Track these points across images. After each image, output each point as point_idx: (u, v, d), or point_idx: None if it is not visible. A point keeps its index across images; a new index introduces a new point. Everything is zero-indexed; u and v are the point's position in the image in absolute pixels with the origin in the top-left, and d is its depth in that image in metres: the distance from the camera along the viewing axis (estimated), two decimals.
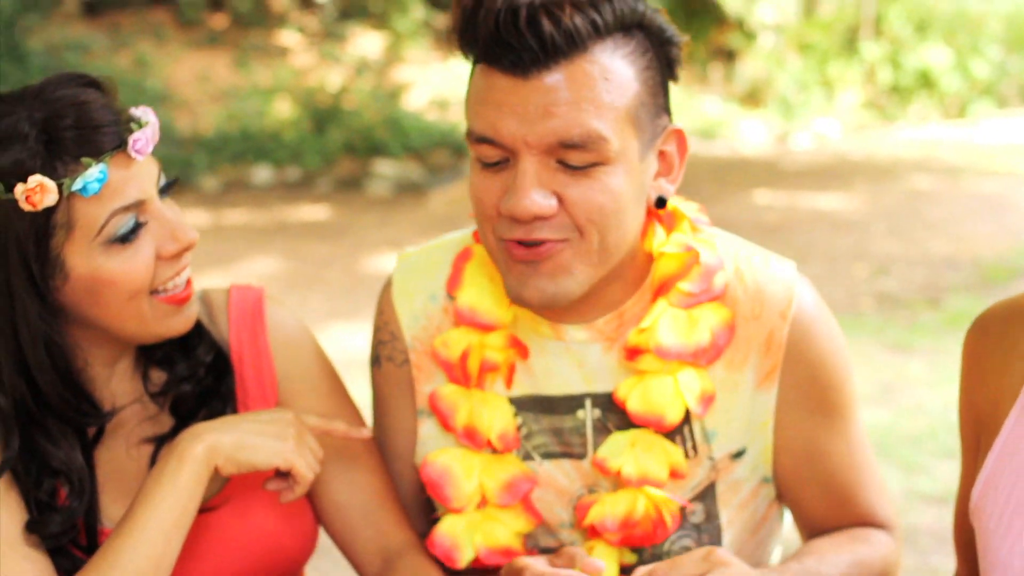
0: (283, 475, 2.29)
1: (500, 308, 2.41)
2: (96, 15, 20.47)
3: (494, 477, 2.40)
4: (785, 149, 19.45)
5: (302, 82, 19.48)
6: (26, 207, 2.13)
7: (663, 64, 2.30)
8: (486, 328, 2.40)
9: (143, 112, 2.25)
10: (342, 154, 17.64)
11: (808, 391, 2.40)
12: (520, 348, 2.41)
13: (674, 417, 2.33)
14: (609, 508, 2.35)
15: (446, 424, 2.43)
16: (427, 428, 2.49)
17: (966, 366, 2.19)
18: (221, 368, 2.42)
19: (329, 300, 10.57)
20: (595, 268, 2.26)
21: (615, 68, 2.19)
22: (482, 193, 2.24)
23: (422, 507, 2.58)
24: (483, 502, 2.42)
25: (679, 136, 2.36)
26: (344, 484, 2.47)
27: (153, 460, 2.36)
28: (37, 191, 2.11)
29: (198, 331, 2.40)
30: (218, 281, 2.34)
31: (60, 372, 2.23)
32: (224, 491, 2.38)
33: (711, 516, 2.43)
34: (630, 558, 2.41)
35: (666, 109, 2.33)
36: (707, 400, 2.35)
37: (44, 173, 2.13)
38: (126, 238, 2.20)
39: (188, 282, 2.30)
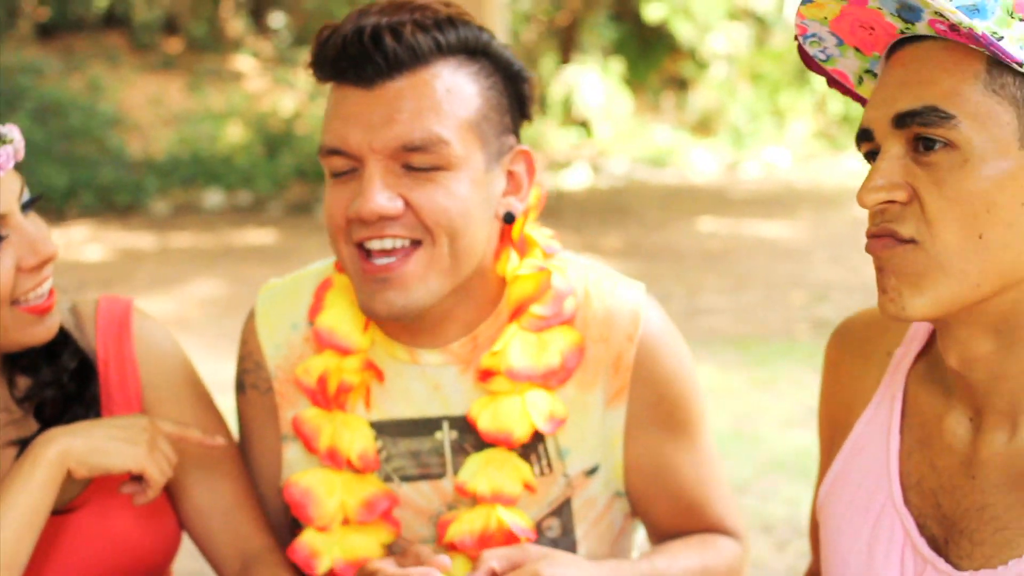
0: (137, 479, 2.34)
1: (357, 333, 2.46)
2: (50, 38, 20.49)
3: (354, 496, 2.45)
4: (734, 178, 19.60)
5: (255, 107, 19.52)
6: None
7: (511, 92, 2.39)
8: (343, 352, 2.46)
9: (8, 129, 2.28)
10: (293, 179, 17.69)
11: (655, 410, 2.47)
12: (375, 371, 2.46)
13: (521, 434, 2.39)
14: (467, 525, 2.42)
15: (310, 446, 2.48)
16: (292, 452, 2.54)
17: (826, 370, 2.25)
18: (85, 375, 2.46)
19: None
20: (445, 278, 2.33)
21: (457, 82, 2.30)
22: (332, 205, 2.32)
23: (288, 529, 2.62)
24: (345, 521, 2.48)
25: (527, 157, 2.42)
26: (205, 489, 2.52)
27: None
28: None
29: (63, 338, 2.44)
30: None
31: None
32: (84, 493, 2.42)
33: (567, 531, 2.49)
34: None
35: (514, 132, 2.41)
36: (556, 420, 2.41)
37: None
38: None
39: (51, 292, 2.33)
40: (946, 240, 1.78)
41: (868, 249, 1.87)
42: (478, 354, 2.44)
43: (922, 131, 1.78)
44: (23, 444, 2.39)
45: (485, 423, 2.39)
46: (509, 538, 2.40)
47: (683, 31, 20.92)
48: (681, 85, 22.54)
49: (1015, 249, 1.78)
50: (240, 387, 2.62)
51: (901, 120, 1.79)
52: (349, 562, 2.46)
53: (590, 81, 21.11)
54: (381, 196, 2.25)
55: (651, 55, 21.82)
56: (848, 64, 1.95)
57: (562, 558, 2.30)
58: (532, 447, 2.43)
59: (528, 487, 2.42)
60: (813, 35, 1.89)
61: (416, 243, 2.30)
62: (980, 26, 1.72)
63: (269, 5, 22.19)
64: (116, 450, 2.27)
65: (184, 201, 17.09)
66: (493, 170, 2.36)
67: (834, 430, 2.22)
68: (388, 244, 2.29)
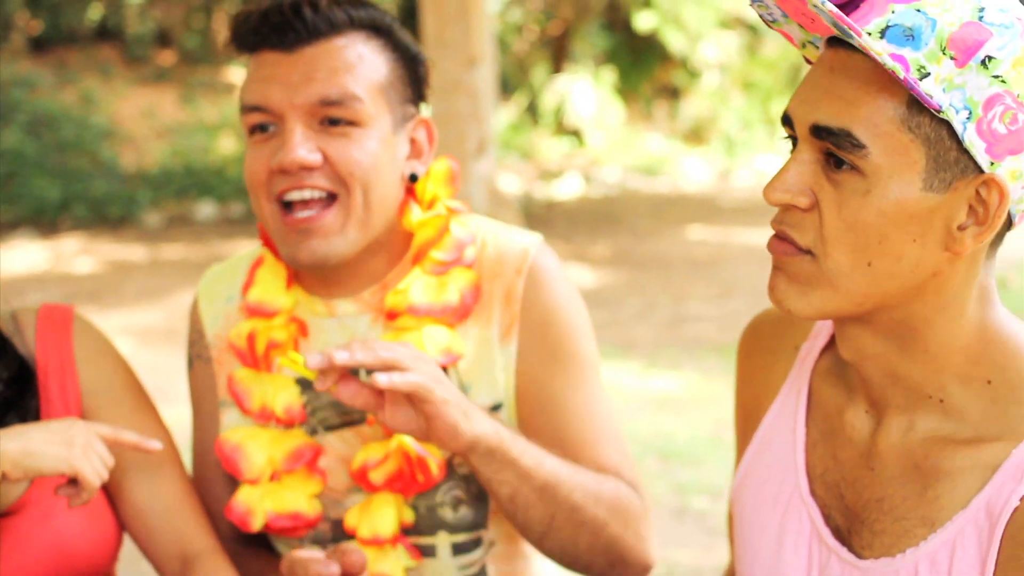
0: (73, 481, 2.39)
1: (282, 296, 2.63)
2: (43, 51, 20.54)
3: (281, 448, 2.57)
4: (726, 186, 19.64)
5: None
6: None
7: (411, 70, 2.60)
8: (270, 314, 2.63)
9: None
10: None
11: (542, 342, 2.59)
12: (299, 324, 2.62)
13: None
14: (372, 453, 2.54)
15: (242, 406, 2.62)
16: (229, 417, 2.67)
17: (739, 364, 2.29)
18: (24, 382, 2.52)
19: None
20: (361, 229, 2.51)
21: (367, 52, 2.53)
22: (254, 162, 2.51)
23: (229, 492, 2.70)
24: (274, 476, 2.59)
25: (427, 125, 2.64)
26: (144, 490, 2.57)
27: None
28: None
29: (1, 346, 2.52)
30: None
31: None
32: (24, 496, 2.47)
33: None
34: (409, 515, 2.56)
35: (415, 103, 2.62)
36: (452, 355, 2.55)
37: None
38: None
39: None
40: (837, 259, 1.83)
41: (769, 247, 1.92)
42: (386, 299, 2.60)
43: (833, 150, 1.81)
44: None
45: None
46: (418, 468, 2.50)
47: (674, 40, 20.96)
48: (673, 94, 22.59)
49: (901, 279, 1.83)
50: (189, 362, 2.78)
51: (817, 132, 1.82)
52: (281, 514, 2.58)
53: (582, 90, 21.15)
54: (302, 148, 2.45)
55: (643, 64, 21.87)
56: (792, 31, 1.97)
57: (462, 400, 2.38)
58: None
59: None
60: (762, 2, 1.90)
61: (332, 197, 2.49)
62: (909, 56, 1.74)
63: None
64: (50, 453, 2.31)
65: (177, 213, 17.14)
66: (399, 134, 2.57)
67: (746, 423, 2.25)
68: (307, 194, 2.47)
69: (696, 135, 21.91)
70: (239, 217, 17.06)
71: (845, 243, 1.82)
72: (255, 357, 2.61)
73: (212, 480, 2.71)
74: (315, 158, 2.46)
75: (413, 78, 2.61)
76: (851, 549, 1.99)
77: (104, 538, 2.54)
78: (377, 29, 2.55)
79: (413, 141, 2.62)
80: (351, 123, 2.48)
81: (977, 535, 1.85)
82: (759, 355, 2.24)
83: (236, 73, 20.86)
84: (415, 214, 2.63)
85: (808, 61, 2.00)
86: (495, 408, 2.58)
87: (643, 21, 20.81)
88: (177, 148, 18.58)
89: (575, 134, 21.30)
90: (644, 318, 11.36)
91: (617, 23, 21.95)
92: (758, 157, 20.80)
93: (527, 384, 2.59)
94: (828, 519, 2.04)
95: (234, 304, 2.70)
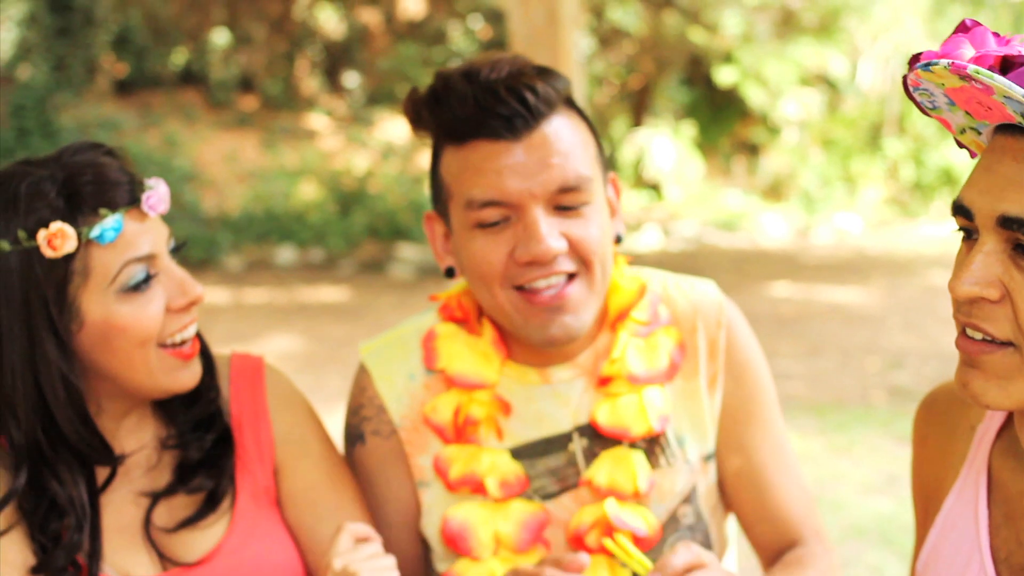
0: None
1: (485, 369, 2.60)
2: (127, 94, 20.75)
3: (509, 521, 2.55)
4: (806, 243, 19.56)
5: (328, 165, 19.68)
6: (48, 252, 2.28)
7: (593, 131, 2.57)
8: (474, 388, 2.59)
9: (155, 181, 2.40)
10: (365, 237, 17.82)
11: (740, 390, 2.62)
12: (502, 404, 2.59)
13: (639, 429, 2.54)
14: (582, 518, 2.54)
15: (448, 483, 2.58)
16: (429, 496, 2.63)
17: (915, 444, 2.27)
18: (226, 441, 2.54)
19: (345, 380, 10.62)
20: (598, 300, 2.51)
21: (577, 124, 2.50)
22: (489, 254, 2.45)
23: (421, 573, 2.71)
24: (497, 550, 2.57)
25: (615, 182, 2.63)
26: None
27: (148, 515, 2.47)
28: (58, 236, 2.27)
29: (213, 410, 2.53)
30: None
31: (77, 410, 2.35)
32: (218, 544, 2.47)
33: (699, 516, 2.61)
34: (642, 570, 2.51)
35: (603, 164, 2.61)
36: (664, 419, 2.57)
37: (65, 222, 2.29)
38: (138, 287, 2.32)
39: (195, 339, 2.43)
40: None
41: (959, 346, 1.86)
42: (599, 363, 2.60)
43: (1007, 237, 1.76)
44: (156, 496, 2.46)
45: (604, 419, 2.55)
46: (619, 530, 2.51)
47: (755, 96, 20.96)
48: (752, 150, 22.56)
49: None
50: (358, 438, 2.70)
51: (1007, 222, 1.76)
52: None
53: (661, 144, 21.17)
54: (551, 238, 2.41)
55: (722, 119, 21.87)
56: (954, 118, 1.92)
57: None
58: (655, 441, 2.58)
59: (636, 494, 2.53)
60: (925, 89, 1.87)
61: (571, 276, 2.47)
62: None
63: (343, 64, 22.40)
64: None
65: (257, 257, 17.24)
66: (604, 198, 2.55)
67: (927, 503, 2.23)
68: (554, 280, 2.44)
69: (775, 191, 21.86)
70: (319, 263, 17.14)
71: None
72: (458, 431, 2.58)
73: (402, 559, 2.66)
74: (563, 245, 2.43)
75: (596, 143, 2.58)
76: None
77: None
78: (569, 99, 2.52)
79: (608, 201, 2.59)
80: (584, 204, 2.46)
81: None
82: (936, 435, 2.20)
83: (317, 119, 21.02)
84: (616, 275, 2.64)
85: (960, 145, 1.95)
86: (709, 458, 2.61)
87: (724, 76, 20.83)
88: (258, 192, 18.70)
89: (654, 187, 21.31)
90: None
91: (698, 78, 21.98)
92: (837, 214, 20.73)
93: (728, 428, 2.63)
94: None
95: (418, 382, 2.64)
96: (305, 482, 2.56)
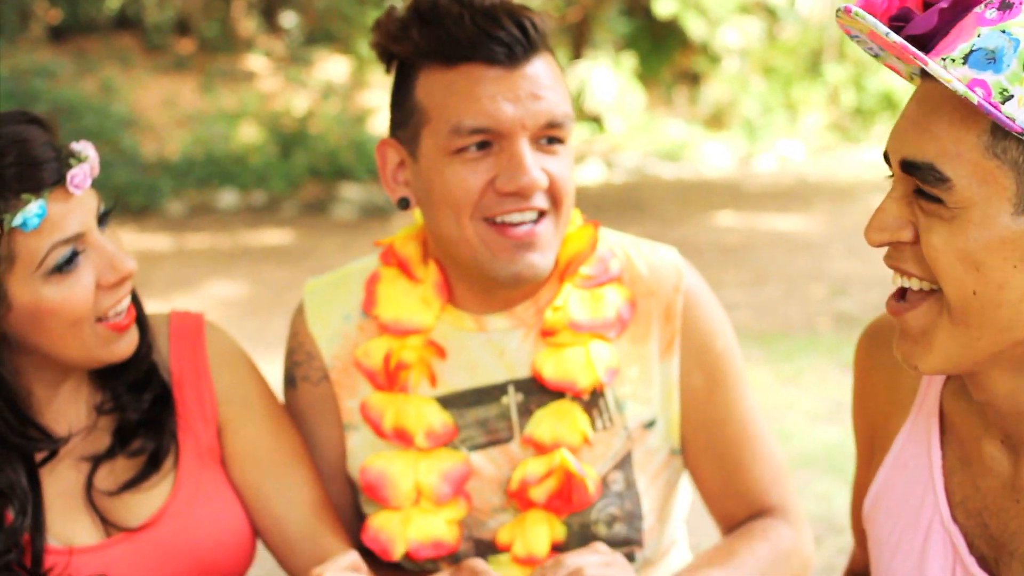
0: None
1: (420, 314, 2.57)
2: (62, 40, 20.52)
3: (431, 472, 2.52)
4: (748, 171, 19.60)
5: (268, 106, 19.55)
6: None
7: None
8: (407, 333, 2.56)
9: (83, 147, 2.32)
10: (308, 178, 17.72)
11: (702, 360, 2.59)
12: (437, 348, 2.57)
13: (585, 382, 2.51)
14: (533, 470, 2.51)
15: (378, 430, 2.56)
16: (355, 440, 2.61)
17: (857, 377, 2.26)
18: (165, 403, 2.50)
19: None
20: (559, 243, 2.51)
21: (557, 66, 2.49)
22: (466, 181, 2.41)
23: (352, 515, 2.69)
24: (417, 500, 2.55)
25: None
26: (282, 498, 2.54)
27: (90, 478, 2.44)
28: None
29: (148, 369, 2.50)
30: (181, 306, 2.42)
31: (5, 400, 2.31)
32: (163, 507, 2.45)
33: (630, 484, 2.58)
34: (560, 532, 2.55)
35: None
36: (612, 371, 2.53)
37: None
38: (62, 268, 2.27)
39: (129, 309, 2.39)
40: (946, 290, 1.80)
41: (889, 310, 1.91)
42: (539, 317, 2.57)
43: (920, 185, 1.78)
44: (96, 460, 2.43)
45: (550, 372, 2.52)
46: (575, 487, 2.49)
47: (694, 25, 20.89)
48: (693, 79, 22.55)
49: (1011, 307, 1.77)
50: (290, 381, 2.70)
51: (907, 167, 1.79)
52: (423, 543, 2.54)
53: (602, 76, 21.10)
54: (535, 170, 2.39)
55: (663, 50, 21.80)
56: (897, 64, 1.92)
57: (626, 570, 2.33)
58: (593, 402, 2.55)
59: (586, 440, 2.52)
60: (856, 36, 1.87)
61: (541, 214, 2.45)
62: (991, 80, 1.68)
63: (281, 4, 22.21)
64: None
65: (199, 202, 17.11)
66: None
67: (872, 438, 2.22)
68: (528, 216, 2.43)
69: (716, 120, 21.87)
70: (261, 205, 17.05)
71: (947, 273, 1.78)
72: (389, 378, 2.55)
73: (334, 505, 2.65)
74: (545, 179, 2.41)
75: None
76: None
77: (240, 548, 2.52)
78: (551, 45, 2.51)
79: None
80: (561, 141, 2.45)
81: None
82: (880, 370, 2.19)
83: (255, 61, 20.86)
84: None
85: None
86: (649, 425, 2.57)
87: (663, 6, 20.74)
88: (198, 136, 18.55)
89: (595, 120, 21.26)
90: None
91: (637, 9, 21.90)
92: (779, 142, 20.78)
93: (690, 401, 2.59)
94: (972, 547, 2.00)
95: (353, 323, 2.64)
96: (249, 439, 2.54)
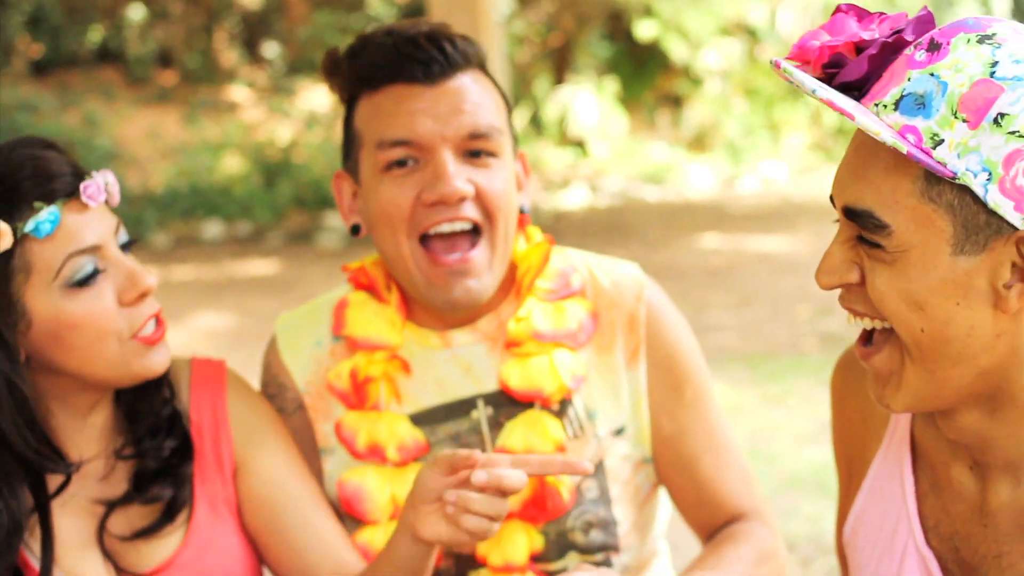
0: None
1: (386, 332, 2.63)
2: (44, 74, 20.52)
3: (406, 485, 2.54)
4: (732, 193, 19.62)
5: (251, 137, 19.55)
6: None
7: (507, 104, 2.66)
8: (375, 349, 2.62)
9: (101, 173, 2.37)
10: (292, 208, 17.73)
11: (668, 373, 2.66)
12: (402, 363, 2.63)
13: (551, 389, 2.57)
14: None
15: (352, 450, 2.60)
16: (331, 463, 2.65)
17: (834, 406, 2.28)
18: (185, 450, 2.51)
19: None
20: (502, 264, 2.58)
21: (490, 87, 2.60)
22: (396, 196, 2.52)
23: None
24: (395, 514, 2.58)
25: (523, 158, 2.71)
26: (304, 530, 2.54)
27: (103, 523, 2.43)
28: None
29: (171, 415, 2.50)
30: (169, 338, 2.43)
31: (23, 415, 2.30)
32: (174, 554, 2.46)
33: (604, 491, 2.63)
34: (538, 541, 2.59)
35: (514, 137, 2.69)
36: (579, 378, 2.60)
37: (2, 219, 2.25)
38: (84, 282, 2.28)
39: (159, 323, 2.40)
40: (896, 328, 1.85)
41: (858, 354, 1.97)
42: (503, 330, 2.63)
43: (861, 232, 1.83)
44: (111, 505, 2.44)
45: (516, 382, 2.59)
46: (550, 495, 2.55)
47: (676, 48, 20.93)
48: (676, 102, 22.53)
49: (959, 341, 1.81)
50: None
51: (847, 213, 1.83)
52: None
53: (584, 101, 21.11)
54: (459, 179, 2.48)
55: (645, 73, 21.84)
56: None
57: None
58: (563, 411, 2.61)
59: (560, 448, 2.57)
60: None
61: (476, 231, 2.54)
62: (921, 125, 1.72)
63: (262, 34, 22.23)
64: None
65: (184, 233, 17.13)
66: (513, 167, 2.63)
67: (851, 465, 2.25)
68: (458, 227, 2.51)
69: (699, 143, 21.87)
70: (246, 236, 17.06)
71: (894, 313, 1.83)
72: (359, 393, 2.60)
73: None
74: (470, 189, 2.50)
75: (508, 112, 2.65)
76: None
77: None
78: (483, 65, 2.61)
79: (516, 175, 2.66)
80: (491, 154, 2.53)
81: None
82: (855, 398, 2.21)
83: (238, 92, 20.87)
84: (521, 246, 2.68)
85: None
86: (619, 432, 2.63)
87: (644, 30, 20.79)
88: (182, 168, 18.56)
89: (579, 144, 21.26)
90: None
91: (618, 32, 21.94)
92: (762, 163, 20.78)
93: (658, 410, 2.65)
94: (946, 571, 2.03)
95: (324, 348, 2.69)
96: (262, 479, 2.54)
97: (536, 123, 21.55)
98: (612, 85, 21.55)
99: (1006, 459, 1.92)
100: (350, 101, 2.61)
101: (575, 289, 2.66)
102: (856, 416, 2.21)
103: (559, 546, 2.59)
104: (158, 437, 2.48)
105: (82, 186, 2.30)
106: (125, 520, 2.45)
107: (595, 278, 2.68)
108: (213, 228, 17.27)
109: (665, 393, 2.65)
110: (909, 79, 1.75)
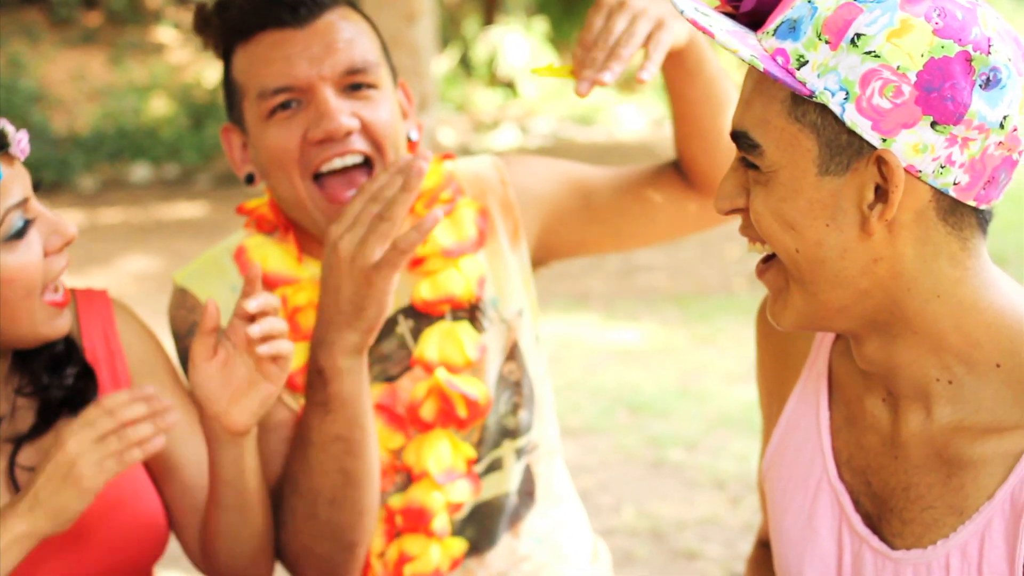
0: None
1: (294, 268, 2.66)
2: None
3: None
4: (662, 133, 19.65)
5: (178, 78, 19.41)
6: None
7: (381, 38, 2.70)
8: (290, 283, 2.65)
9: (2, 123, 2.33)
10: (220, 150, 17.58)
11: (540, 191, 2.79)
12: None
13: (460, 292, 2.66)
14: (416, 393, 2.64)
15: (291, 382, 2.60)
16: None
17: (758, 343, 2.30)
18: (87, 375, 2.49)
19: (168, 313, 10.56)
20: None
21: (362, 23, 2.64)
22: (283, 140, 2.55)
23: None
24: None
25: (404, 88, 2.75)
26: (193, 468, 2.55)
27: (11, 459, 2.42)
28: None
29: (67, 345, 2.48)
30: (96, 281, 2.41)
31: None
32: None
33: (524, 372, 2.74)
34: (469, 453, 2.67)
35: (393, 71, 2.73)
36: (482, 280, 2.70)
37: None
38: (20, 234, 2.26)
39: (64, 290, 2.39)
40: (774, 249, 1.89)
41: (755, 272, 2.01)
42: None
43: (742, 153, 1.88)
44: (19, 442, 2.42)
45: (427, 293, 2.65)
46: (453, 402, 2.63)
47: None
48: None
49: (833, 263, 1.85)
50: (187, 361, 2.68)
51: (732, 136, 1.88)
52: None
53: (514, 41, 21.10)
54: (341, 113, 2.52)
55: (574, 13, 21.79)
56: None
57: None
58: (475, 307, 2.69)
59: (469, 364, 2.65)
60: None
61: (367, 163, 2.57)
62: (789, 48, 1.78)
63: None
64: (70, 504, 2.28)
65: (111, 176, 17.01)
66: (395, 97, 2.68)
67: (771, 401, 2.26)
68: (349, 160, 2.55)
69: (629, 83, 21.87)
70: (174, 178, 16.97)
71: (770, 234, 1.87)
72: (294, 327, 2.60)
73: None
74: (355, 123, 2.53)
75: (382, 44, 2.69)
76: (882, 537, 1.99)
77: (154, 531, 2.53)
78: (351, 2, 2.67)
79: (400, 104, 2.70)
80: (371, 86, 2.57)
81: (1004, 526, 1.84)
82: (777, 335, 2.23)
83: (164, 33, 20.69)
84: None
85: None
86: (520, 313, 2.73)
87: None
88: (108, 110, 18.40)
89: (509, 85, 21.25)
90: (596, 269, 11.37)
91: None
92: None
93: (553, 217, 2.80)
94: (857, 505, 2.04)
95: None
96: None
97: (466, 64, 21.51)
98: (542, 25, 21.53)
99: (915, 387, 1.93)
100: (226, 54, 2.63)
101: (461, 195, 2.75)
102: (778, 351, 2.23)
103: (497, 435, 2.69)
104: (58, 369, 2.47)
105: (15, 139, 2.28)
106: (36, 453, 2.42)
107: (460, 180, 2.77)
108: (140, 171, 17.15)
109: (549, 204, 2.78)
110: (792, 7, 1.81)
